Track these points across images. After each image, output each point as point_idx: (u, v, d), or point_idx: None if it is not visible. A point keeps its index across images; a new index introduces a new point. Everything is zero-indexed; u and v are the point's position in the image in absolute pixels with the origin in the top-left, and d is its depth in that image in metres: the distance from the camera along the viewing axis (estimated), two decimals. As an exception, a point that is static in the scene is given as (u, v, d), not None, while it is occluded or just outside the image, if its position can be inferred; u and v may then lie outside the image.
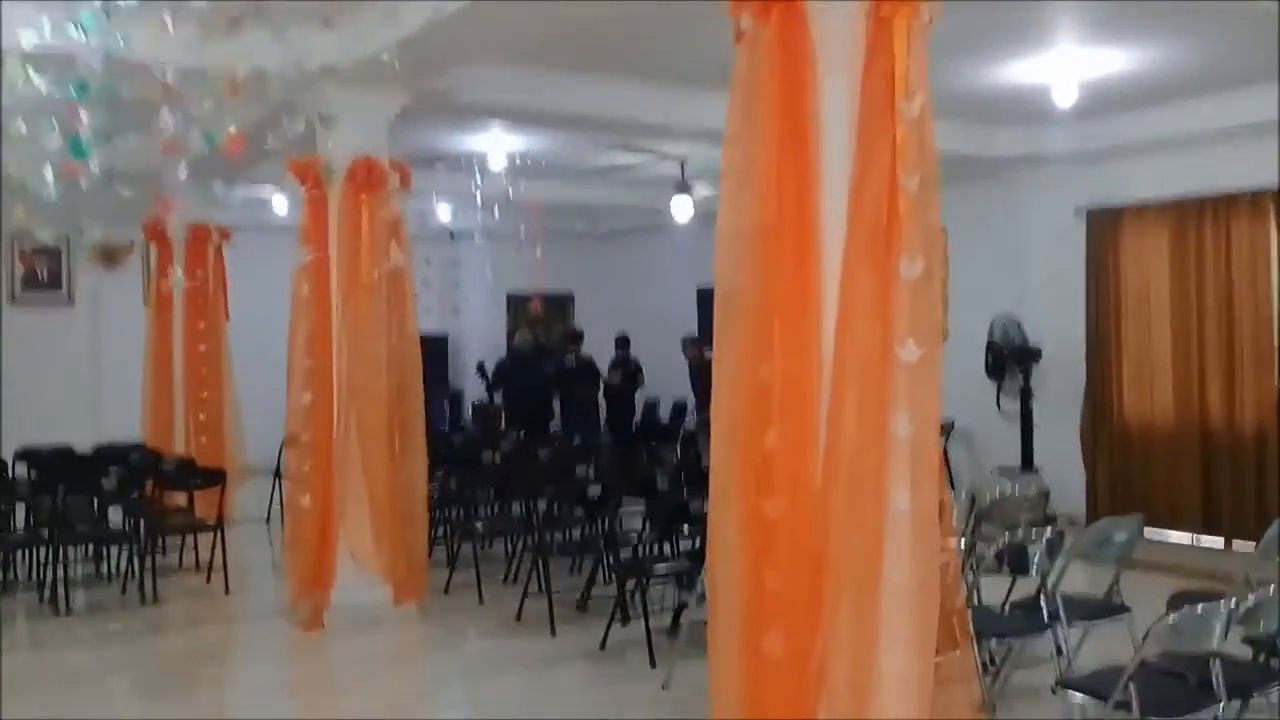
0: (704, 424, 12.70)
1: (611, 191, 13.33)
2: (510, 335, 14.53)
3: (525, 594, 6.80)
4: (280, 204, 11.42)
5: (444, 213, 12.73)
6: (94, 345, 13.79)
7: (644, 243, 15.81)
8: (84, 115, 4.75)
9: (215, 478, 7.83)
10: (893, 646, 3.24)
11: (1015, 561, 5.02)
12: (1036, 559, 4.93)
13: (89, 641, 6.74)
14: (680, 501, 6.69)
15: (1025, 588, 5.12)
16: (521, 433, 10.28)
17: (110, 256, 13.83)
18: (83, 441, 10.08)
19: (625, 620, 6.17)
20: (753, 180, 3.48)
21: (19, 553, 7.82)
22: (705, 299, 14.10)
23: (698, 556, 5.72)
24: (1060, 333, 9.88)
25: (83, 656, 6.44)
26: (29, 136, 4.72)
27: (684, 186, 11.78)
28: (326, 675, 6.28)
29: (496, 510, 8.41)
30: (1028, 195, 10.14)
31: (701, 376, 13.39)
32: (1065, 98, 7.38)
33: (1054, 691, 4.10)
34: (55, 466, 8.93)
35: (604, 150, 10.91)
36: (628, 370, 13.66)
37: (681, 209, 12.04)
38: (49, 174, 4.79)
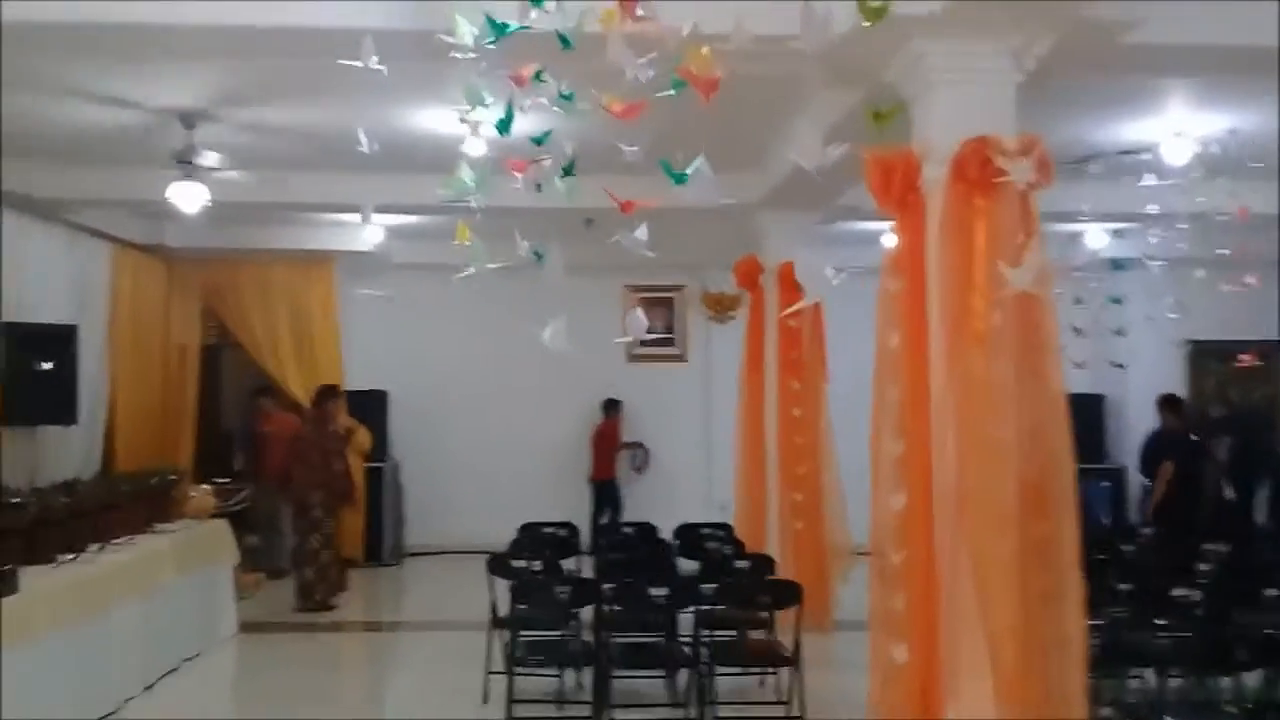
0: None
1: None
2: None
3: None
4: (892, 239, 9.49)
5: (1099, 235, 9.90)
6: (705, 404, 12.93)
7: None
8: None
9: (789, 595, 5.93)
10: None
11: None
12: None
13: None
14: None
15: None
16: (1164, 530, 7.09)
17: (720, 305, 12.98)
18: (695, 515, 8.92)
19: None
20: None
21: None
22: None
23: None
24: None
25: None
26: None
27: None
28: None
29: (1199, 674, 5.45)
30: None
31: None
32: None
33: None
34: (627, 552, 7.74)
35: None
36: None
37: None
38: (466, 169, 3.29)
